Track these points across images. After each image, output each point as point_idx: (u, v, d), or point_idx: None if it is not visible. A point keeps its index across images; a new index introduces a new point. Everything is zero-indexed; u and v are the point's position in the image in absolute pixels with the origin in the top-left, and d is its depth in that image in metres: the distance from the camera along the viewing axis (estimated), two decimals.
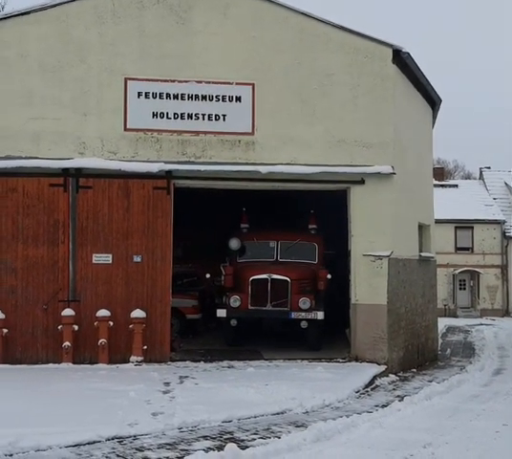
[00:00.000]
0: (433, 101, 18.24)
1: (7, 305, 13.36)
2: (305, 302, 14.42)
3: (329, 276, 14.87)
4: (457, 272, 41.90)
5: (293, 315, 14.33)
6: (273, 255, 15.72)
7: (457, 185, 47.15)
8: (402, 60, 14.93)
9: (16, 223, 13.57)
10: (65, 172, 13.68)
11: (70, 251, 13.59)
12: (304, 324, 14.39)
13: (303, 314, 14.30)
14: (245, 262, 15.59)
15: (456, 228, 41.92)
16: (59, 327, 13.27)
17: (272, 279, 14.58)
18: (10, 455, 7.15)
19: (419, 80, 16.50)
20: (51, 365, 13.06)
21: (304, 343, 14.84)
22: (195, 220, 18.17)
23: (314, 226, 16.08)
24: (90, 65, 13.86)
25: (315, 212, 16.08)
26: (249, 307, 14.54)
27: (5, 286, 13.46)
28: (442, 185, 44.28)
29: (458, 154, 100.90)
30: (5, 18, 13.84)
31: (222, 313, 14.58)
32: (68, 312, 13.31)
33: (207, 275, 15.41)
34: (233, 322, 14.62)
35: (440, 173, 47.47)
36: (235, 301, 14.57)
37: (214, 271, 16.16)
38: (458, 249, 42.21)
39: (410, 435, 8.43)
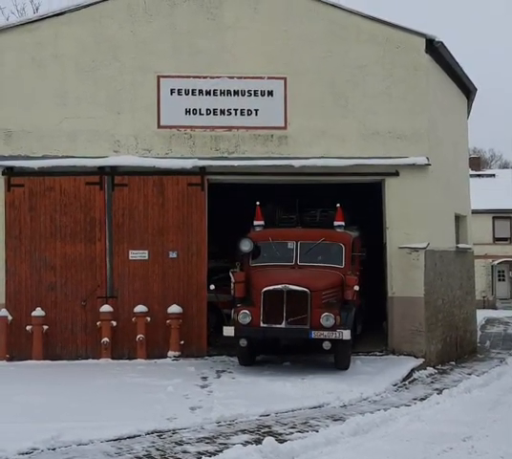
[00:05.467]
0: (467, 90, 17.99)
1: (47, 302, 13.60)
2: (328, 319, 11.80)
3: (356, 288, 12.42)
4: (495, 262, 41.36)
5: (314, 334, 11.79)
6: (292, 258, 13.12)
7: (494, 175, 46.53)
8: (436, 50, 14.75)
9: (54, 221, 13.80)
10: (101, 170, 13.86)
11: (107, 248, 13.78)
12: (327, 345, 11.84)
13: (325, 333, 11.74)
14: (259, 267, 13.13)
15: (493, 218, 41.39)
16: (98, 323, 13.47)
17: (288, 291, 11.97)
18: (53, 449, 7.30)
19: (453, 69, 16.29)
20: (90, 361, 13.26)
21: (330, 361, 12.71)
22: (229, 215, 18.21)
23: (341, 222, 13.46)
24: (123, 64, 14.00)
25: (343, 206, 13.58)
26: (261, 324, 11.99)
27: (44, 283, 13.71)
28: (479, 175, 43.76)
29: (494, 143, 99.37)
30: (40, 20, 14.03)
31: (229, 331, 12.15)
32: (106, 308, 13.50)
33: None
34: (243, 342, 12.16)
35: (477, 163, 46.92)
36: (244, 317, 12.07)
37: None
38: (496, 239, 41.68)
39: (449, 428, 8.37)
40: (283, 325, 11.93)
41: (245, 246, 13.18)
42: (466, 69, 16.68)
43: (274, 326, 11.95)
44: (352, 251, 13.42)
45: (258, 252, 13.31)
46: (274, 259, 13.21)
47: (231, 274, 12.98)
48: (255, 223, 13.68)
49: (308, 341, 12.25)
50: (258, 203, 13.62)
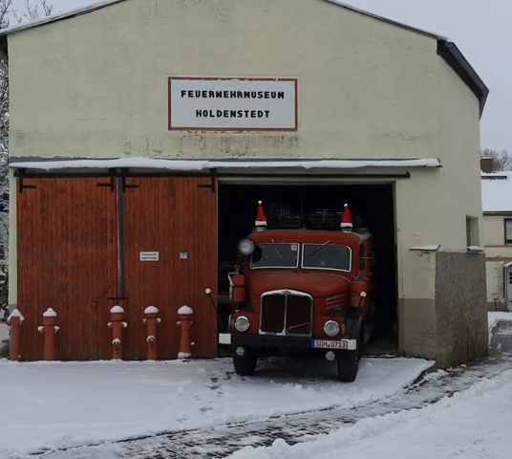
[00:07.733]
0: (479, 91, 17.92)
1: (58, 303, 13.67)
2: (331, 327, 10.97)
3: (363, 294, 11.60)
4: (507, 265, 41.14)
5: (316, 343, 10.94)
6: (295, 262, 12.27)
7: (505, 177, 46.30)
8: (447, 51, 14.71)
9: (66, 222, 13.86)
10: (112, 172, 13.91)
11: (118, 250, 13.83)
12: (330, 356, 11.06)
13: (329, 342, 10.89)
14: (260, 270, 12.33)
15: (505, 220, 41.20)
16: (109, 324, 13.52)
17: (290, 296, 11.14)
18: (64, 450, 7.35)
19: (465, 71, 16.23)
20: (101, 362, 13.30)
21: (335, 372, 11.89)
22: (239, 215, 18.20)
23: (349, 224, 12.63)
24: (134, 65, 14.05)
25: (352, 207, 12.79)
26: (260, 332, 11.16)
27: (56, 284, 13.77)
28: (491, 177, 43.61)
29: (507, 145, 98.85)
30: (52, 22, 14.10)
31: (225, 339, 11.32)
32: (117, 309, 13.54)
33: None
34: (240, 351, 11.37)
35: (488, 164, 46.71)
36: (242, 324, 11.21)
37: None
38: (507, 241, 41.47)
39: (460, 431, 8.35)
40: (283, 333, 11.12)
41: (245, 247, 12.45)
42: (478, 69, 16.62)
43: (274, 334, 11.15)
44: (359, 254, 12.64)
45: (259, 255, 12.53)
46: (276, 262, 12.42)
47: (230, 278, 12.21)
48: (257, 223, 13.01)
49: (309, 351, 11.52)
50: (260, 202, 12.97)
